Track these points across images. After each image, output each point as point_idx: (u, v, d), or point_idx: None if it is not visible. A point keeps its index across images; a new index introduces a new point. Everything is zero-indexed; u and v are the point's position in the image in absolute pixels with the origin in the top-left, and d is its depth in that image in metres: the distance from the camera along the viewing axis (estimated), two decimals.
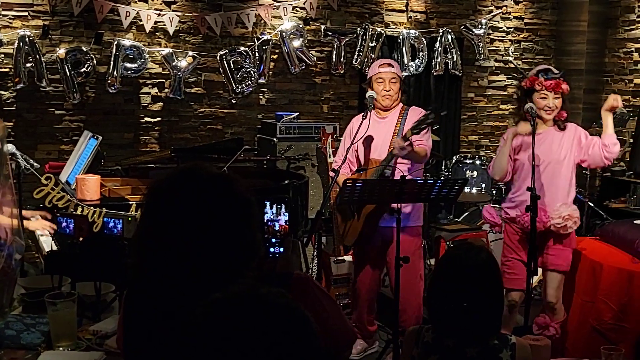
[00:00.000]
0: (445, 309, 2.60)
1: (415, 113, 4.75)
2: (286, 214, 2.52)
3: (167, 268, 1.81)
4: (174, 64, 6.88)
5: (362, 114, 4.73)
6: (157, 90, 7.02)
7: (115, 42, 6.63)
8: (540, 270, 4.78)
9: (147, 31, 6.80)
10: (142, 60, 6.77)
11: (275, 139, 6.76)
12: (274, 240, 2.27)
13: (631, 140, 7.76)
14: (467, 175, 6.47)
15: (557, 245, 4.54)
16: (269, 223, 2.80)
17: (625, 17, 8.06)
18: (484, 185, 6.52)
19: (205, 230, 1.80)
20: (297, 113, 7.08)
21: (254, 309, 1.23)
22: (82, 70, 6.59)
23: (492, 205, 5.06)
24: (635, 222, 5.00)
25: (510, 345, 2.58)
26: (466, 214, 6.70)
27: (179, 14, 6.89)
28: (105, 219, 3.01)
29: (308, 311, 1.89)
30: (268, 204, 2.67)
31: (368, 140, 4.78)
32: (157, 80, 7.01)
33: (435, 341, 2.61)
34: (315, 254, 5.53)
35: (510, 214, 4.62)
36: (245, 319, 1.22)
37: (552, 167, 4.52)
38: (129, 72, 6.75)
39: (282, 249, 2.06)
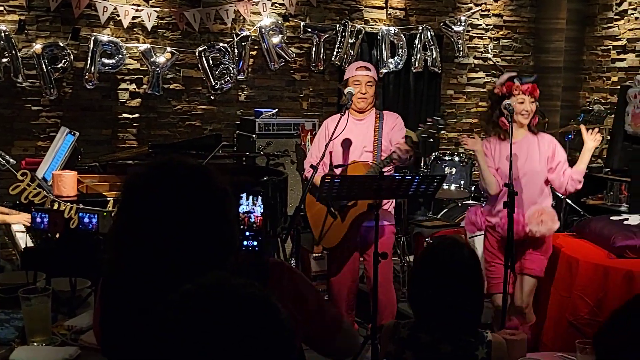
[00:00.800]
0: (427, 303, 2.59)
1: (392, 118, 4.86)
2: (262, 206, 2.50)
3: (144, 264, 1.79)
4: (152, 59, 6.84)
5: (341, 112, 4.72)
6: (135, 87, 6.98)
7: (93, 38, 6.59)
8: None
9: (125, 27, 6.76)
10: (120, 56, 6.73)
11: (254, 136, 6.75)
12: (248, 233, 2.25)
13: (608, 138, 7.82)
14: (446, 172, 6.49)
15: (532, 251, 4.54)
16: (245, 215, 2.80)
17: (603, 15, 8.12)
18: (462, 182, 6.53)
19: (183, 226, 1.78)
20: (276, 109, 7.07)
21: (224, 300, 1.23)
22: (59, 65, 6.54)
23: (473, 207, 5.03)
24: (611, 218, 5.04)
25: (487, 342, 2.58)
26: (445, 210, 6.71)
27: (157, 9, 6.86)
28: (80, 214, 2.98)
29: (288, 295, 1.88)
30: (244, 195, 2.66)
31: (345, 140, 4.78)
32: (135, 76, 6.97)
33: (411, 337, 2.60)
34: (293, 250, 5.53)
35: (492, 222, 4.62)
36: (216, 311, 1.21)
37: (530, 177, 4.52)
38: (107, 67, 6.71)
39: (255, 243, 2.04)
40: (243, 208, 2.64)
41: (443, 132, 4.52)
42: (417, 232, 6.00)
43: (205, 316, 1.20)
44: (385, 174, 4.22)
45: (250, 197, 2.73)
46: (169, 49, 6.92)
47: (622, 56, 7.88)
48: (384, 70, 7.72)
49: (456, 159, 6.64)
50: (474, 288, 2.59)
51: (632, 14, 7.74)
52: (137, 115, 7.02)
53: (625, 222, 4.82)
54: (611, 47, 8.01)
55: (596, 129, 4.57)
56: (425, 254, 2.74)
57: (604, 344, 2.11)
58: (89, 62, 6.58)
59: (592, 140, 4.48)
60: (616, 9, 7.94)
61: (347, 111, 4.68)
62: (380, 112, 4.93)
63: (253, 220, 2.75)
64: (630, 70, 7.72)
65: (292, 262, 5.67)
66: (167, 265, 1.75)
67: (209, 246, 1.80)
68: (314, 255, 5.91)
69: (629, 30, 7.77)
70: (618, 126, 7.49)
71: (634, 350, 2.00)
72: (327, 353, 2.11)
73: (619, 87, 7.72)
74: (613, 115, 7.72)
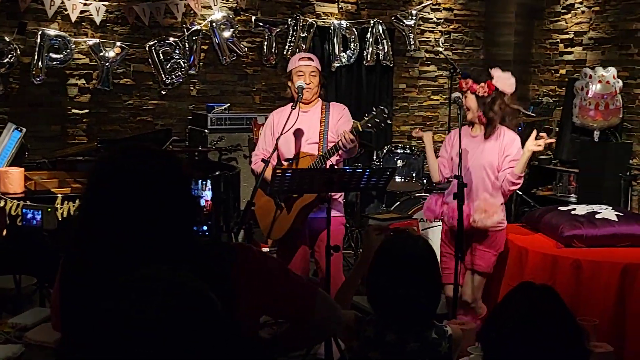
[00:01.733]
0: (383, 296, 2.60)
1: (338, 109, 4.85)
2: (211, 190, 2.47)
3: (105, 256, 1.74)
4: (101, 54, 6.76)
5: (292, 105, 4.68)
6: (84, 82, 6.89)
7: (40, 32, 6.48)
8: None
9: (73, 21, 6.67)
10: (68, 50, 6.63)
11: (206, 131, 6.71)
12: (197, 218, 2.23)
13: (557, 129, 7.94)
14: (398, 165, 6.52)
15: (480, 246, 4.55)
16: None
17: (551, 9, 8.24)
18: (414, 175, 6.58)
19: (149, 215, 1.73)
20: (228, 104, 7.04)
21: (160, 292, 1.22)
22: (5, 61, 6.43)
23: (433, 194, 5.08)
24: (559, 208, 5.10)
25: (448, 337, 2.63)
26: (398, 203, 6.75)
27: (106, 3, 6.77)
28: (23, 210, 2.93)
29: (255, 276, 1.87)
30: (193, 179, 2.61)
31: (294, 133, 4.76)
32: (85, 72, 6.88)
33: (377, 336, 2.59)
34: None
35: (444, 211, 4.66)
36: (153, 303, 1.20)
37: (480, 172, 4.52)
38: (55, 63, 6.61)
39: (205, 227, 2.03)
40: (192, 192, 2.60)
41: (389, 122, 4.48)
42: (370, 225, 6.02)
43: (143, 308, 1.19)
44: (334, 166, 4.21)
45: (200, 182, 2.69)
46: (118, 43, 6.85)
47: (569, 49, 8.00)
48: (336, 64, 7.74)
49: (408, 151, 6.69)
50: (429, 279, 2.60)
51: (579, 7, 7.87)
52: (86, 110, 6.93)
53: (572, 212, 4.89)
54: (559, 40, 8.13)
55: (545, 136, 4.47)
56: (381, 247, 2.75)
57: (488, 338, 2.14)
58: (36, 57, 6.47)
59: (533, 145, 4.40)
60: (563, 2, 8.06)
61: (298, 105, 4.65)
62: (327, 103, 4.91)
63: (203, 204, 2.72)
64: (577, 63, 7.85)
65: None
66: (130, 257, 1.70)
67: (174, 235, 1.76)
68: (269, 250, 5.90)
69: (576, 23, 7.90)
70: (566, 118, 7.61)
71: (516, 340, 2.03)
72: (311, 328, 2.07)
73: (566, 79, 7.85)
74: (561, 108, 7.85)
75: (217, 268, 1.80)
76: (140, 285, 1.24)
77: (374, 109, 4.53)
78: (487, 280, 4.76)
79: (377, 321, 2.64)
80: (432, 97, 8.54)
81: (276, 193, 4.46)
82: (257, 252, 1.99)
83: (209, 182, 2.45)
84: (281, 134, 4.60)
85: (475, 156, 4.53)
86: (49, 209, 2.88)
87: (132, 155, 1.81)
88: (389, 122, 4.47)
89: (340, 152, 4.55)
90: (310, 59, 4.83)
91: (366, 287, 2.70)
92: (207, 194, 2.54)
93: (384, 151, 6.72)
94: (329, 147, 4.61)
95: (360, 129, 4.47)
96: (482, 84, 4.46)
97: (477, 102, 4.49)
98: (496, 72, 4.52)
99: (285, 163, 4.72)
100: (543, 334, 2.03)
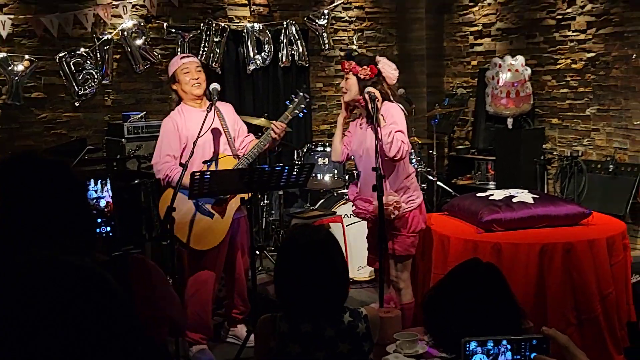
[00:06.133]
0: (293, 288, 2.62)
1: (228, 107, 4.88)
2: (110, 191, 2.40)
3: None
4: (9, 68, 6.60)
5: (207, 108, 4.60)
6: None
7: None
8: None
9: None
10: None
11: (123, 140, 6.62)
12: (100, 219, 2.19)
13: (472, 119, 8.11)
14: (319, 163, 6.56)
15: (395, 231, 4.51)
16: (94, 201, 2.69)
17: (459, 2, 8.41)
18: (336, 172, 6.62)
19: (33, 218, 1.71)
20: (144, 112, 6.95)
21: (53, 271, 1.19)
22: None
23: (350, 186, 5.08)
24: (477, 195, 5.20)
25: (363, 317, 2.66)
26: (322, 200, 6.78)
27: (11, 16, 6.61)
28: None
29: (147, 290, 1.86)
30: (92, 181, 2.53)
31: (211, 134, 4.71)
32: None
33: (292, 330, 2.60)
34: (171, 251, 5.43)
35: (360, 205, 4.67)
36: (45, 281, 1.18)
37: (367, 157, 4.44)
38: None
39: (109, 228, 2.02)
40: (92, 194, 2.53)
41: (310, 105, 4.70)
42: (294, 224, 6.03)
43: (35, 287, 1.17)
44: (253, 165, 4.23)
45: (99, 182, 2.61)
46: (27, 56, 6.69)
47: (479, 41, 8.19)
48: (251, 67, 7.74)
49: (328, 149, 6.72)
50: (334, 263, 2.64)
51: (486, 0, 8.06)
52: None
53: (490, 198, 4.99)
54: (469, 32, 8.31)
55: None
56: (283, 241, 2.79)
57: (431, 310, 2.22)
58: None
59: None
60: None
61: (213, 107, 4.60)
62: (209, 102, 4.81)
63: (104, 205, 2.65)
64: (487, 53, 8.04)
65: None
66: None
67: (65, 238, 1.75)
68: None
69: (484, 15, 8.09)
70: (480, 108, 7.78)
71: (458, 313, 2.12)
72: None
73: (478, 70, 8.03)
74: (475, 98, 8.02)
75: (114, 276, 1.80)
76: (38, 265, 1.21)
77: (294, 96, 4.62)
78: (413, 271, 4.80)
79: (289, 315, 2.65)
80: None
81: (196, 196, 4.41)
82: (152, 265, 2.00)
83: (108, 182, 2.38)
84: (198, 136, 4.50)
85: (361, 144, 4.50)
86: None
87: (16, 167, 1.79)
88: (310, 105, 4.63)
89: (268, 144, 4.61)
90: (190, 56, 4.83)
91: (274, 283, 2.72)
92: (107, 194, 2.47)
93: (305, 150, 6.75)
94: (248, 146, 4.63)
95: (291, 117, 4.56)
96: (365, 66, 4.40)
97: (359, 85, 4.42)
98: (382, 59, 4.48)
99: (204, 165, 4.67)
100: (485, 309, 2.09)
